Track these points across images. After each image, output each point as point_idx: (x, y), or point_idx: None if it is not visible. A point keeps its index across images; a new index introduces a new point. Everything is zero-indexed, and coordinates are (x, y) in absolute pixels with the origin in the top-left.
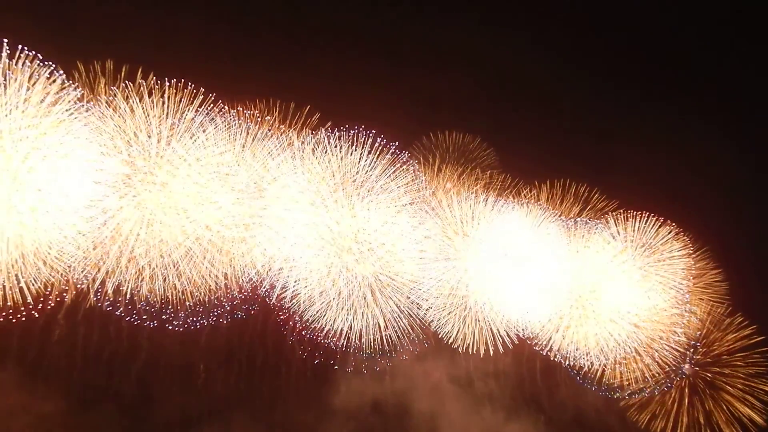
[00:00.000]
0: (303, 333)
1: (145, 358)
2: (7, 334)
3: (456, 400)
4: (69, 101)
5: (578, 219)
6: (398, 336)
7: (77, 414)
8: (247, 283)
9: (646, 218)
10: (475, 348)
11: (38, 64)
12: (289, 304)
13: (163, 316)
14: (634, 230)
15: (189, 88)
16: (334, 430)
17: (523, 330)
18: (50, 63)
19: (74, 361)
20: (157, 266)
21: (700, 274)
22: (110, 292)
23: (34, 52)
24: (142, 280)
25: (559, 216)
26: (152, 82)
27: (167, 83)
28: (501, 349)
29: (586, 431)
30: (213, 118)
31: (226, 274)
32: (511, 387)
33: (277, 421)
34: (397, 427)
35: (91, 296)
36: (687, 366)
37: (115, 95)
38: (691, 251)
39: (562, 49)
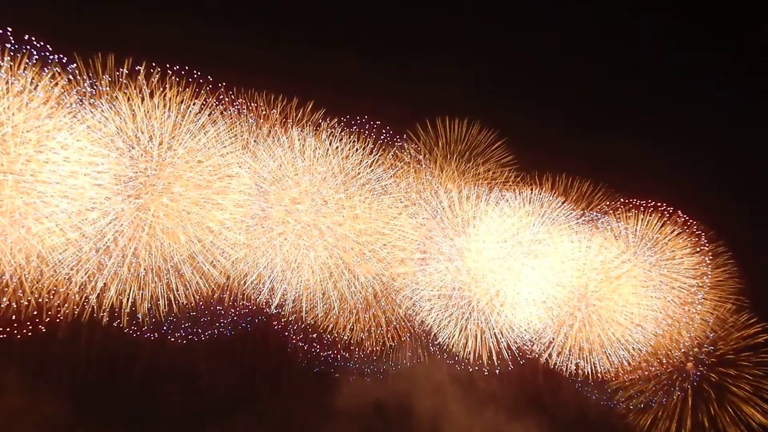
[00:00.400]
0: (304, 339)
1: (146, 362)
2: (6, 335)
3: (458, 401)
4: (72, 103)
5: (582, 213)
6: (400, 339)
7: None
8: (249, 288)
9: (651, 210)
10: (476, 356)
11: (46, 54)
12: (291, 306)
13: (164, 328)
14: (638, 223)
15: (191, 84)
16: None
17: (525, 332)
18: (60, 56)
19: (75, 365)
20: (160, 268)
21: (712, 269)
22: (113, 295)
23: (42, 43)
24: (144, 286)
25: (563, 212)
26: (153, 80)
27: (168, 77)
28: (509, 361)
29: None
30: (215, 120)
31: (228, 276)
32: (513, 387)
33: (278, 423)
34: (400, 428)
35: (93, 299)
36: (691, 366)
37: (117, 98)
38: (704, 245)
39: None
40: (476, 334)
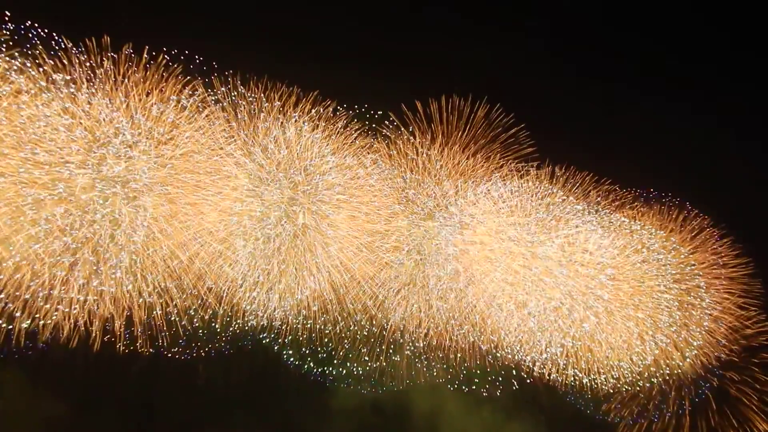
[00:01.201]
0: (298, 354)
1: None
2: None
3: (456, 401)
4: (71, 104)
5: (584, 209)
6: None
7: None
8: (246, 293)
9: (656, 202)
10: (474, 360)
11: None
12: (288, 312)
13: (159, 341)
14: (642, 218)
15: (189, 79)
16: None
17: (522, 336)
18: (62, 42)
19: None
20: (159, 271)
21: (724, 267)
22: (108, 304)
23: (47, 31)
24: (141, 291)
25: (564, 210)
26: (152, 75)
27: (169, 71)
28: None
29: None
30: (212, 121)
31: (227, 279)
32: (511, 386)
33: (276, 423)
34: (398, 427)
35: (91, 301)
36: (689, 366)
37: (116, 97)
38: (716, 242)
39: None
40: (473, 339)
